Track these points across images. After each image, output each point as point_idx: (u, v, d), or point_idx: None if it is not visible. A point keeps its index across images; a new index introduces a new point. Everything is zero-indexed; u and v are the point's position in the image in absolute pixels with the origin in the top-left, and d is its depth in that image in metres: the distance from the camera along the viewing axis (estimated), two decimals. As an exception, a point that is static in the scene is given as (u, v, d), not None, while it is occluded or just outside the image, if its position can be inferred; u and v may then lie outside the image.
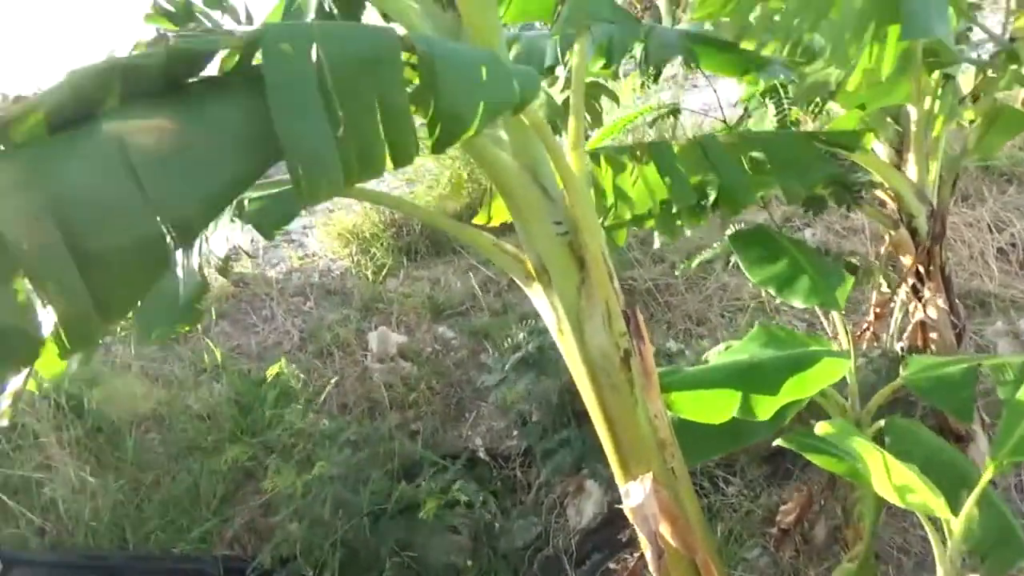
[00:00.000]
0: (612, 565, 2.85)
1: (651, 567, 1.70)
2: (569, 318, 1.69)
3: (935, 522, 1.72)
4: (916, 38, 2.13)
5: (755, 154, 2.49)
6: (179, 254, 1.66)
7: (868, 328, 3.12)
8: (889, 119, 2.79)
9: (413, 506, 3.08)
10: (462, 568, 3.04)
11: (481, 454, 3.73)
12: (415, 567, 3.00)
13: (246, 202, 1.82)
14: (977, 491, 1.63)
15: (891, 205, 2.87)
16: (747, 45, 2.22)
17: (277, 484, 3.30)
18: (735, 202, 2.54)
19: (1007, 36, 2.64)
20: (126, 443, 3.82)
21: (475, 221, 2.44)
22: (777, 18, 2.09)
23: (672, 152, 2.46)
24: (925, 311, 2.81)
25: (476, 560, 3.07)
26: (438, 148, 1.21)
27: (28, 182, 0.99)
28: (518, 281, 1.77)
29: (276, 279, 5.33)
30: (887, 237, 2.93)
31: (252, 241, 2.11)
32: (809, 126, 3.38)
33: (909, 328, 2.88)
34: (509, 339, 3.95)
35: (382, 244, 5.46)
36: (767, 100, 2.93)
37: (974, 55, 2.73)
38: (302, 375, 4.26)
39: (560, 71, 2.48)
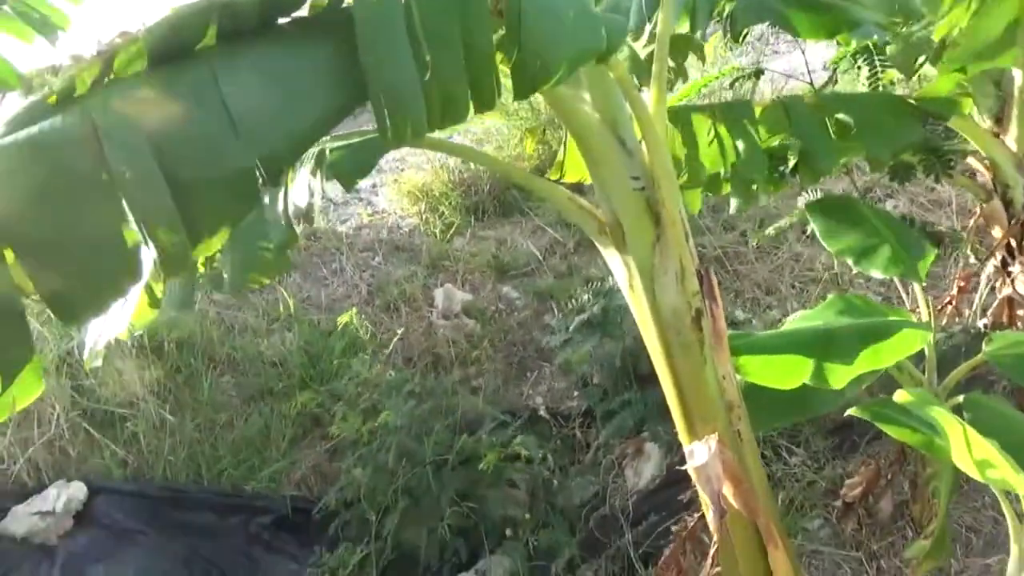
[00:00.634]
0: (672, 527, 2.85)
1: (712, 527, 1.68)
2: (642, 275, 1.67)
3: (1012, 501, 1.66)
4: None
5: (841, 116, 2.39)
6: (267, 200, 1.71)
7: (950, 302, 2.99)
8: (991, 84, 2.63)
9: (474, 458, 3.14)
10: (519, 521, 3.09)
11: (542, 412, 3.77)
12: (473, 517, 3.07)
13: (327, 151, 1.85)
14: (1059, 472, 1.57)
15: (985, 175, 2.73)
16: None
17: (343, 430, 3.42)
18: (816, 168, 2.45)
19: None
20: (202, 385, 4.02)
21: (548, 177, 2.43)
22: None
23: (752, 113, 2.38)
24: (1014, 286, 2.67)
25: (533, 514, 3.13)
26: (520, 94, 1.21)
27: (131, 115, 1.03)
28: (591, 236, 1.75)
29: (346, 234, 5.45)
30: (978, 209, 2.79)
31: (324, 197, 2.15)
32: (900, 91, 3.22)
33: (995, 304, 2.76)
34: (573, 301, 3.95)
35: (450, 203, 5.51)
36: (859, 61, 2.78)
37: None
38: (369, 327, 4.37)
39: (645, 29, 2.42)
